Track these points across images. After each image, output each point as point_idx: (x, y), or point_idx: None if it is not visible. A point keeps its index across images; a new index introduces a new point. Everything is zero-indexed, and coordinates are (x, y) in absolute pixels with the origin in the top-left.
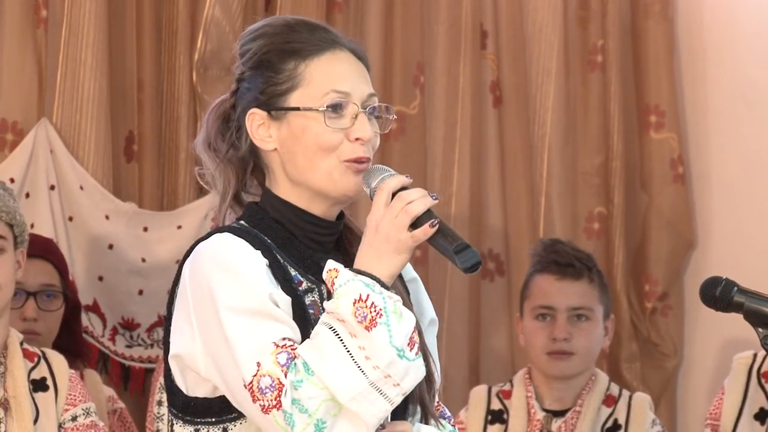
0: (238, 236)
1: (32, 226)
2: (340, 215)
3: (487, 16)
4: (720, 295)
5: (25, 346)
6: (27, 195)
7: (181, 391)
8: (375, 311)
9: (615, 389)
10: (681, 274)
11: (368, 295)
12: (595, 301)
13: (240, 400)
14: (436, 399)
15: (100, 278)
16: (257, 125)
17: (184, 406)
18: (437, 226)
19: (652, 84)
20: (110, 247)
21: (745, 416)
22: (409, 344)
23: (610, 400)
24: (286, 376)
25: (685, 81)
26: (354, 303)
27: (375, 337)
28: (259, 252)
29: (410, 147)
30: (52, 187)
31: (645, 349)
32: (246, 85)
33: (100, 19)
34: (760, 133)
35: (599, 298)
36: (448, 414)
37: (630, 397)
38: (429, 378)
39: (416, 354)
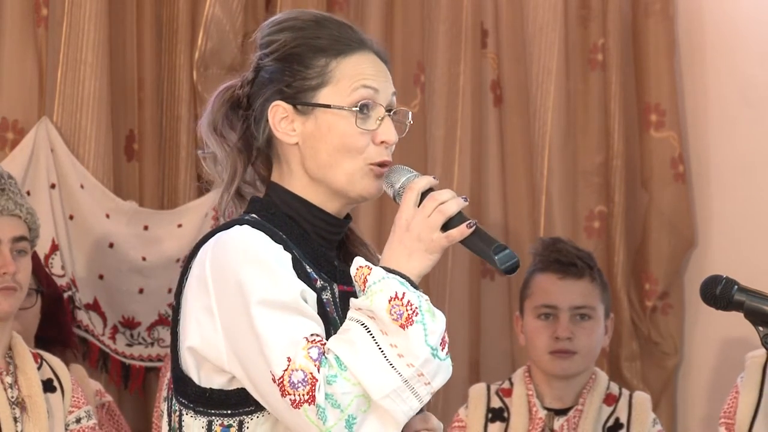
0: (258, 229)
1: None
2: (347, 214)
3: (488, 15)
4: (720, 293)
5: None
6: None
7: (193, 381)
8: (411, 309)
9: (615, 388)
10: (681, 273)
11: (404, 293)
12: (597, 300)
13: (266, 394)
14: None
15: (101, 277)
16: (280, 118)
17: (198, 397)
18: (474, 227)
19: (653, 83)
20: (111, 245)
21: (761, 416)
22: (441, 344)
23: (610, 399)
24: (318, 370)
25: (685, 80)
26: (390, 300)
27: (411, 336)
28: (280, 246)
29: (410, 146)
30: (53, 186)
31: (645, 348)
32: (267, 76)
33: (101, 18)
34: (760, 132)
35: (600, 297)
36: None
37: (630, 396)
38: None
39: (446, 353)
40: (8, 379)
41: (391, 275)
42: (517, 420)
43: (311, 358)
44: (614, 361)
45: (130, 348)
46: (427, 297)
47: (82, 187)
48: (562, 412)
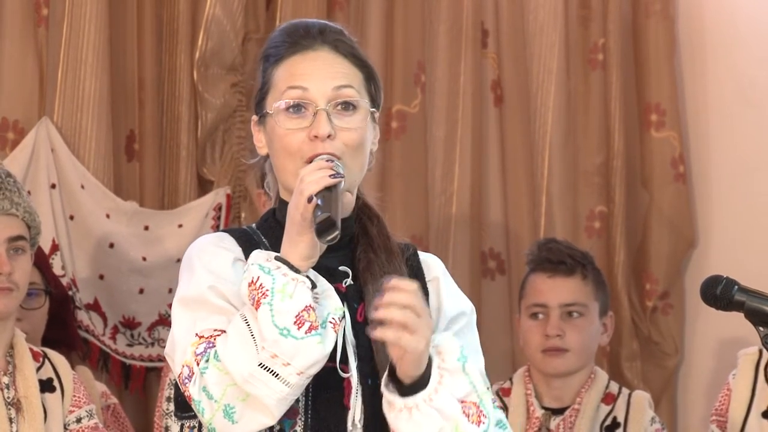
0: (231, 235)
1: None
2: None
3: (488, 15)
4: (720, 293)
5: (29, 345)
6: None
7: (178, 388)
8: (261, 292)
9: (614, 387)
10: (682, 273)
11: (258, 278)
12: (590, 298)
13: None
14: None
15: (101, 277)
16: (256, 132)
17: (176, 402)
18: (314, 200)
19: (653, 83)
20: (111, 245)
21: (754, 414)
22: (296, 323)
23: (609, 398)
24: (198, 364)
25: (686, 80)
26: (249, 286)
27: (260, 318)
28: (240, 249)
29: (411, 146)
30: (53, 186)
31: (646, 348)
32: None
33: (101, 18)
34: (760, 132)
35: (594, 295)
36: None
37: (629, 395)
38: None
39: (307, 332)
40: (5, 380)
41: (257, 263)
42: (515, 420)
43: (196, 353)
44: (614, 361)
45: (131, 348)
46: (303, 279)
47: (82, 187)
48: (559, 411)
